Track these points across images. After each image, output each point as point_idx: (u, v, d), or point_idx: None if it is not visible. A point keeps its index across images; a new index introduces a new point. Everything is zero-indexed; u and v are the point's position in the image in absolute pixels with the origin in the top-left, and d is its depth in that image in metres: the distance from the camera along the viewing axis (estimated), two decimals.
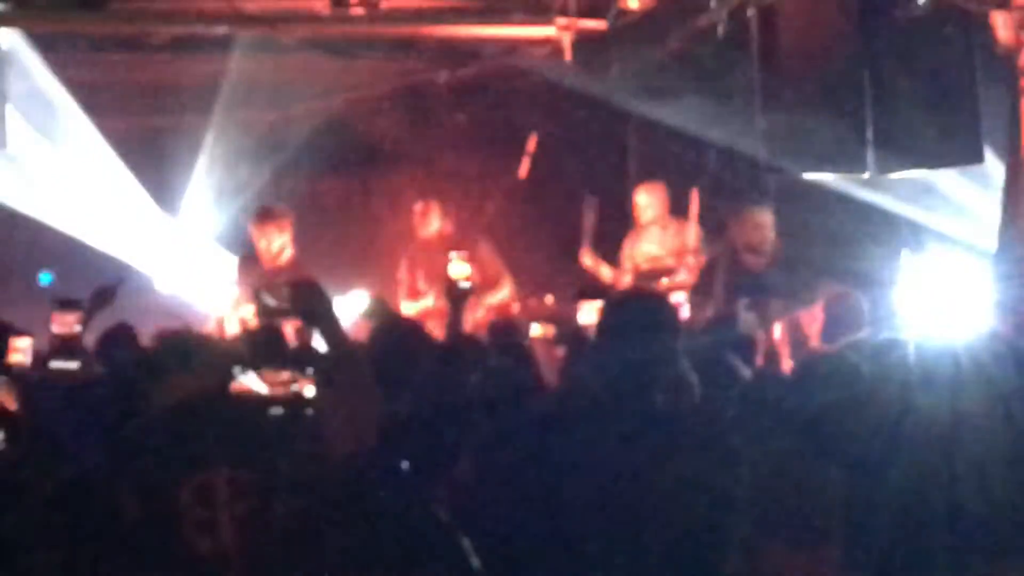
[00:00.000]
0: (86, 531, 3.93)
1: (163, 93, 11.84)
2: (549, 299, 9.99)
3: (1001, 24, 7.88)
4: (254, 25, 9.73)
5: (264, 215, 9.37)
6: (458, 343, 5.88)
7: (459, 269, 6.67)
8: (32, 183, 11.07)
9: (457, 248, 7.14)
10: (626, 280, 9.90)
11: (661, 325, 4.33)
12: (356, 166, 12.17)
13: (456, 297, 6.61)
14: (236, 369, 4.78)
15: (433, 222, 9.94)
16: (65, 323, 5.64)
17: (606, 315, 4.50)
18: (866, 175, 8.68)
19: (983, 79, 8.18)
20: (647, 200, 10.09)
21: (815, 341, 7.18)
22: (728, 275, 9.15)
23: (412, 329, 5.64)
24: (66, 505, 3.99)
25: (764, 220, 9.12)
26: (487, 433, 4.53)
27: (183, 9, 10.01)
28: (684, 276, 9.72)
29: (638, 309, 4.40)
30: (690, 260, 9.78)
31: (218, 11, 9.70)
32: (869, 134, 8.52)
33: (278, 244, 9.22)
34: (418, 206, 10.02)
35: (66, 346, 5.56)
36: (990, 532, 4.34)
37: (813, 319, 7.60)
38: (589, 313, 7.29)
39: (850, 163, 8.64)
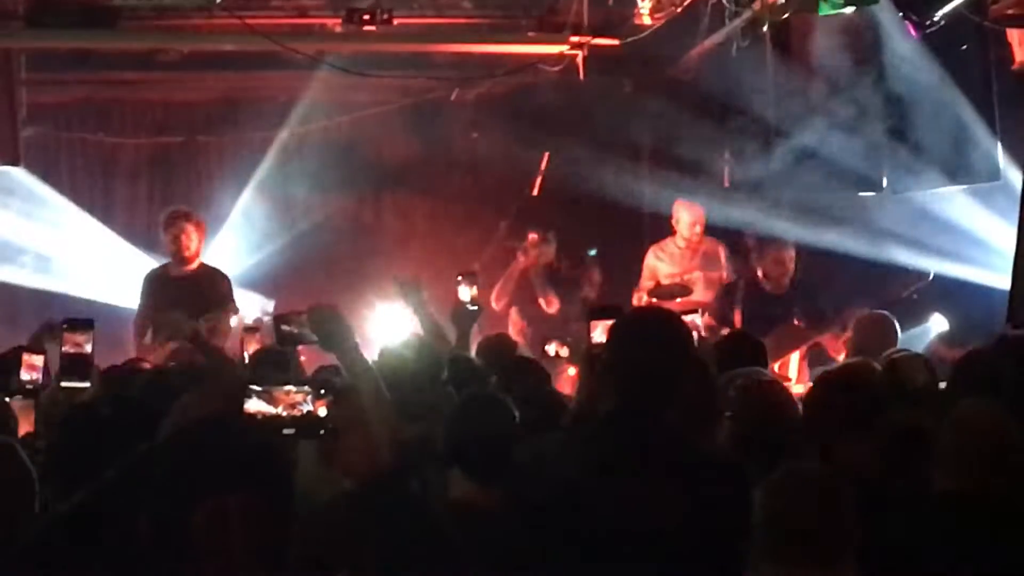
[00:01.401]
0: (98, 555, 3.88)
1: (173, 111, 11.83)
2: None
3: (1018, 42, 7.86)
4: (266, 43, 9.69)
5: (185, 213, 9.68)
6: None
7: (467, 292, 6.64)
8: None
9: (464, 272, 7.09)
10: (643, 297, 9.83)
11: (672, 343, 4.27)
12: (368, 184, 12.09)
13: (463, 320, 6.57)
14: (248, 389, 4.74)
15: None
16: (76, 343, 5.59)
17: (617, 333, 4.44)
18: (881, 193, 8.65)
19: (1000, 97, 8.15)
20: (684, 216, 10.01)
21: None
22: (746, 299, 9.13)
23: (429, 352, 5.60)
24: (78, 528, 3.94)
25: (785, 256, 9.11)
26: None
27: (194, 26, 9.99)
28: (703, 295, 9.66)
29: (649, 327, 4.34)
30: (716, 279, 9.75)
31: (229, 28, 9.67)
32: (885, 152, 8.50)
33: (195, 244, 9.54)
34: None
35: (77, 366, 5.52)
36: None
37: (838, 342, 7.56)
38: (601, 332, 7.22)
39: (866, 181, 8.61)
